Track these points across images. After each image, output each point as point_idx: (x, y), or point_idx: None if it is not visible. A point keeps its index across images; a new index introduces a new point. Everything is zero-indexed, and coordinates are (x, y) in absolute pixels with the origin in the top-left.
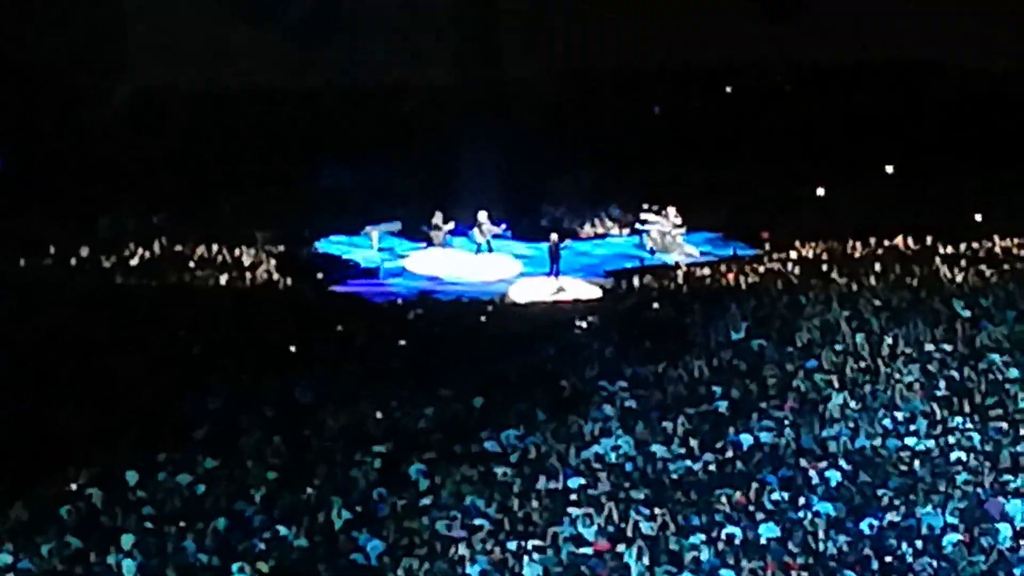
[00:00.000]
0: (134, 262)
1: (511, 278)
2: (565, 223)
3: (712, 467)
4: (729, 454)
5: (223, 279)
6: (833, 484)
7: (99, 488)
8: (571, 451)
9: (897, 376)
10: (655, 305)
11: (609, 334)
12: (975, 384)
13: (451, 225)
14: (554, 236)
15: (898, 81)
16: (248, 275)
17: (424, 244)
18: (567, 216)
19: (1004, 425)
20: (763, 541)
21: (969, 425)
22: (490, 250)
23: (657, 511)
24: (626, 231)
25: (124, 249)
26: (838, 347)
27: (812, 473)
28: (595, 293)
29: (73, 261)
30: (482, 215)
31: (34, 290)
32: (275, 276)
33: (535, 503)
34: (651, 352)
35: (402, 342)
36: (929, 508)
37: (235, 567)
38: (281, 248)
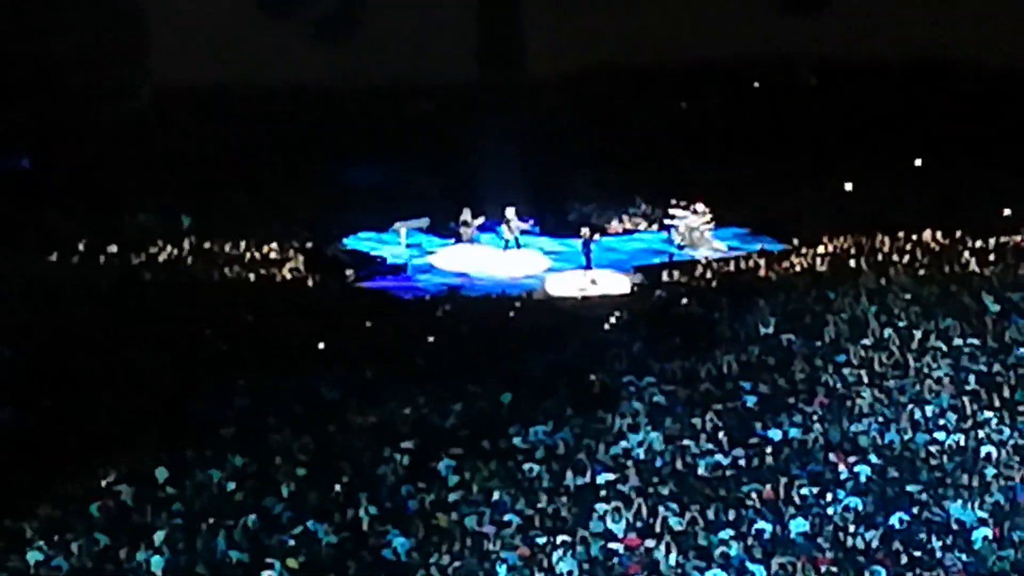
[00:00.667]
0: (162, 259)
1: (539, 274)
2: (593, 219)
3: (741, 462)
4: (758, 449)
5: (251, 276)
6: (862, 479)
7: (129, 485)
8: (600, 447)
9: (926, 371)
10: (683, 300)
11: (637, 329)
12: (1005, 378)
13: (480, 221)
14: (585, 230)
15: (927, 75)
16: (276, 272)
17: (452, 240)
18: (595, 212)
19: None
20: (792, 536)
21: (998, 420)
22: (518, 246)
23: (686, 506)
24: (654, 226)
25: (152, 246)
26: (867, 342)
27: (841, 468)
28: (627, 286)
29: (101, 259)
30: (510, 211)
31: (62, 288)
32: (303, 272)
33: (564, 499)
34: (680, 347)
35: (430, 338)
36: (959, 503)
37: (265, 563)
38: (309, 245)
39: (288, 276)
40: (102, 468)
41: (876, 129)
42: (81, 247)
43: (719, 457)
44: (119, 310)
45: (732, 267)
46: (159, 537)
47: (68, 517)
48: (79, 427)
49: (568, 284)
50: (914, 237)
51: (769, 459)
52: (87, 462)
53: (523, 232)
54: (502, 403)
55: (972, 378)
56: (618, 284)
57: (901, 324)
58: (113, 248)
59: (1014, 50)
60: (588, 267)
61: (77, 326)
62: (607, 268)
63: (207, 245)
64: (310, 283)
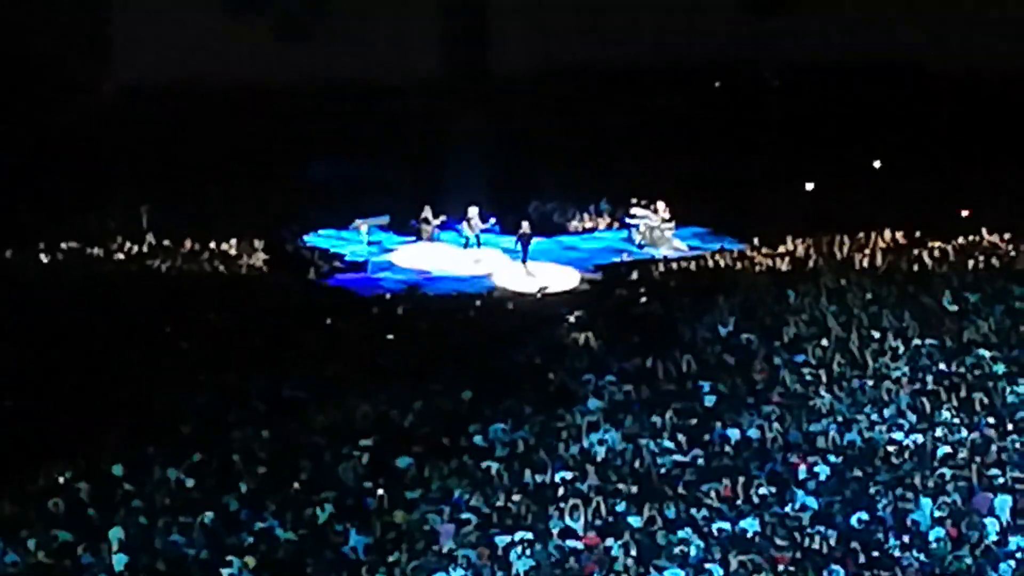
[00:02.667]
0: (121, 256)
1: (488, 271)
2: (555, 217)
3: (700, 461)
4: (717, 448)
5: (211, 272)
6: (821, 478)
7: (87, 482)
8: (559, 445)
9: (885, 371)
10: (643, 299)
11: (597, 328)
12: (962, 379)
13: (441, 219)
14: (525, 224)
15: (887, 77)
16: (237, 268)
17: (413, 238)
18: (556, 211)
19: (991, 420)
20: (750, 535)
21: (956, 420)
22: (479, 244)
23: (645, 505)
24: (615, 225)
25: (111, 242)
26: (826, 342)
27: (800, 467)
28: (570, 279)
29: (59, 255)
30: (472, 210)
31: (21, 283)
32: (264, 269)
33: (523, 497)
34: (639, 346)
35: (390, 336)
36: (916, 503)
37: (224, 560)
38: (271, 242)
39: (248, 273)
40: (60, 465)
41: (836, 130)
42: (41, 244)
43: (678, 456)
44: (77, 306)
45: (692, 266)
46: (117, 534)
47: (26, 514)
48: (36, 423)
49: (507, 277)
50: (873, 237)
51: (727, 458)
52: (45, 458)
53: (484, 231)
54: (462, 401)
55: (930, 378)
56: (558, 278)
57: (860, 324)
58: (72, 244)
59: (973, 53)
60: (524, 261)
61: (34, 322)
62: (567, 266)
63: (167, 242)
64: (271, 280)
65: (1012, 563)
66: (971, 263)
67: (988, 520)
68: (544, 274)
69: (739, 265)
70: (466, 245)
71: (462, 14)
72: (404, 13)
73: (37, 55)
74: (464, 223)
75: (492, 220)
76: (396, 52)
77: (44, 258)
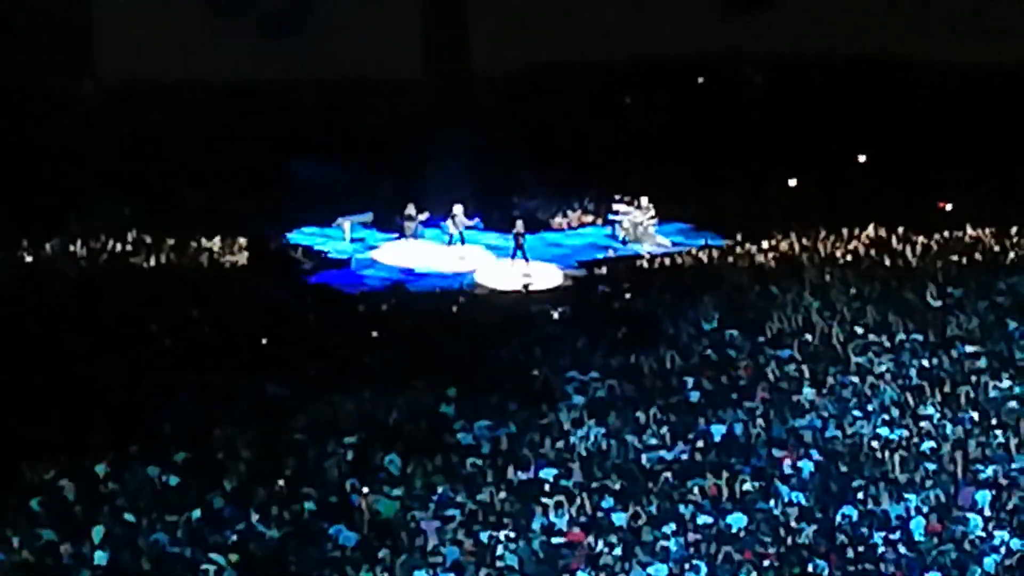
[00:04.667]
0: (104, 255)
1: (476, 268)
2: (538, 214)
3: (684, 457)
4: (701, 444)
5: (195, 270)
6: (805, 474)
7: (71, 480)
8: (544, 442)
9: (868, 366)
10: (627, 295)
11: (581, 324)
12: (946, 374)
13: (424, 216)
14: (519, 224)
15: (870, 72)
16: (220, 266)
17: (396, 235)
18: (540, 207)
19: (975, 415)
20: (735, 531)
21: (940, 415)
22: (462, 241)
23: (629, 501)
24: (598, 222)
25: (94, 241)
26: (810, 337)
27: (784, 463)
28: (560, 279)
29: (43, 253)
30: (457, 208)
31: (3, 283)
32: (248, 267)
33: (507, 494)
34: (623, 342)
35: (374, 333)
36: (900, 497)
37: (208, 558)
38: (254, 239)
39: (232, 270)
40: (43, 463)
41: (820, 125)
42: (23, 243)
43: (662, 452)
44: (60, 305)
45: (676, 262)
46: (100, 532)
47: (9, 512)
48: (19, 422)
49: (500, 276)
50: (858, 232)
51: (712, 454)
52: (28, 457)
53: (467, 228)
54: (446, 398)
55: (914, 373)
56: (552, 276)
57: (844, 319)
58: (55, 242)
59: (957, 47)
60: (514, 257)
61: (16, 321)
62: (551, 263)
63: (149, 239)
64: (254, 278)
65: (996, 557)
66: (954, 258)
67: (971, 515)
68: (532, 271)
69: (723, 261)
70: (450, 242)
71: (446, 11)
72: (388, 10)
73: (18, 54)
74: (448, 220)
75: (476, 218)
76: (380, 49)
77: (27, 257)
